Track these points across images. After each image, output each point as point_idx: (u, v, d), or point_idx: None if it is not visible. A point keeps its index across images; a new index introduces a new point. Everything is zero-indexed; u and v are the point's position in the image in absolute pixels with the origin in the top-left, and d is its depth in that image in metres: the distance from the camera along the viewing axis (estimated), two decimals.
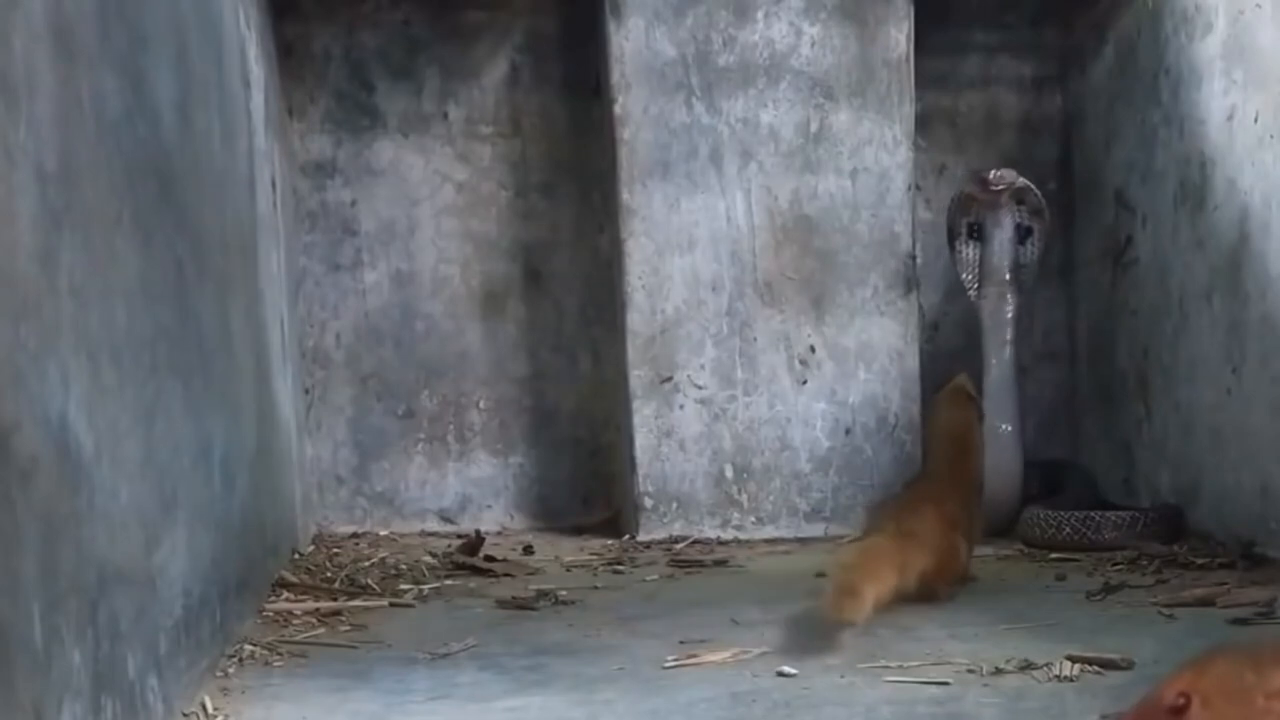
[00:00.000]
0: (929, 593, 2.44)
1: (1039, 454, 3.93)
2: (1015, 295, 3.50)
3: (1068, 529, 3.19)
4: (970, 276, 3.54)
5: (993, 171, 3.46)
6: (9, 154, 1.13)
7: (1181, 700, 1.30)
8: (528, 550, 3.34)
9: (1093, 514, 3.22)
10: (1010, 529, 3.33)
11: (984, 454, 2.97)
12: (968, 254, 3.54)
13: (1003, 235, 3.49)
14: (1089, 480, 3.70)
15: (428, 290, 3.84)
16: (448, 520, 3.82)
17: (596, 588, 2.81)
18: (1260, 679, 1.34)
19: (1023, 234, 3.51)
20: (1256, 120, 2.90)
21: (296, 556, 3.07)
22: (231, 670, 1.99)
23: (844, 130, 3.59)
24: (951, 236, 3.56)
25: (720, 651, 2.07)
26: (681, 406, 3.56)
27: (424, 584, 2.80)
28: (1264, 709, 1.32)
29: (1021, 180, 3.49)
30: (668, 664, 2.01)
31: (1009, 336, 3.50)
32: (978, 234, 3.52)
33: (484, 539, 3.26)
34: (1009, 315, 3.50)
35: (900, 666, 1.93)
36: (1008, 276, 3.50)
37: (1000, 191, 3.44)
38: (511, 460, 3.87)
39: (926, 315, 3.87)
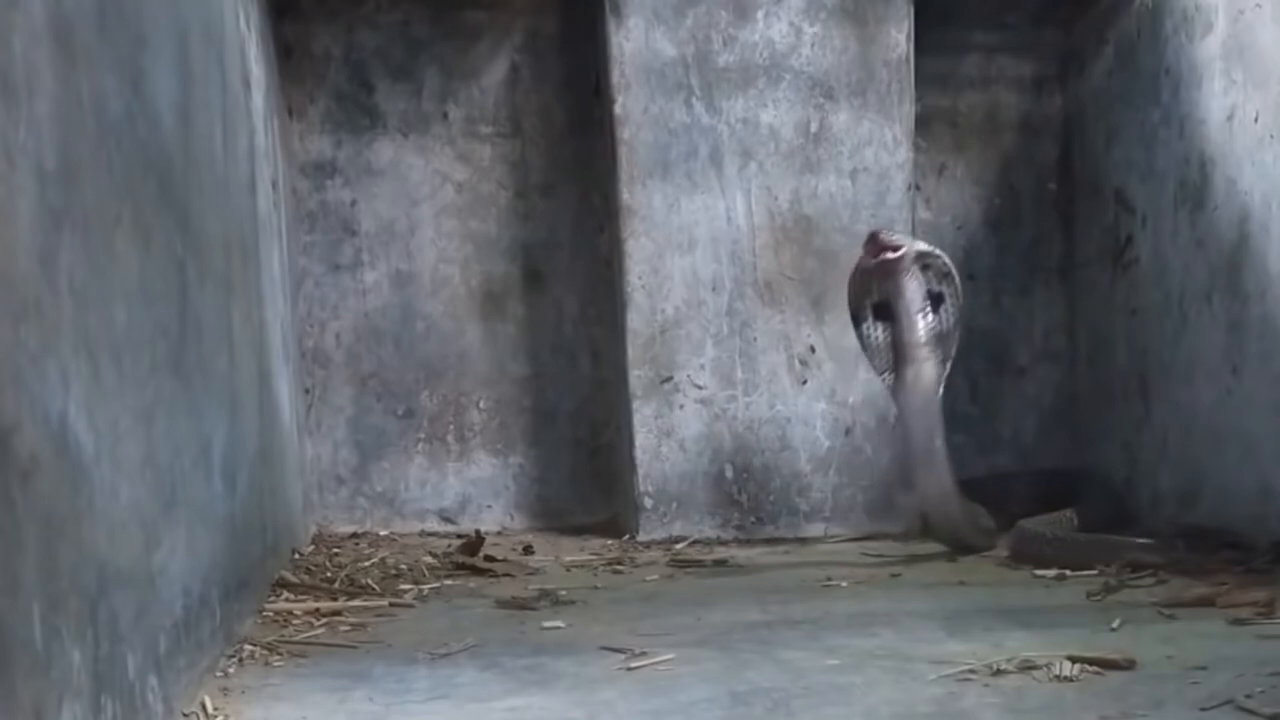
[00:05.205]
0: None
1: (1043, 458, 3.92)
2: (938, 370, 3.06)
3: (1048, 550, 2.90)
4: (882, 361, 3.13)
5: (883, 233, 3.08)
6: (9, 154, 1.13)
7: None
8: (528, 550, 3.34)
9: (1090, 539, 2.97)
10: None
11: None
12: (876, 337, 3.12)
13: (911, 308, 3.06)
14: (1109, 491, 3.55)
15: (428, 290, 3.84)
16: (448, 520, 3.82)
17: (596, 588, 2.81)
18: None
19: (935, 302, 3.09)
20: (1256, 120, 2.90)
21: (296, 556, 3.07)
22: (231, 670, 1.99)
23: (844, 130, 3.60)
24: (856, 321, 3.15)
25: (720, 651, 2.07)
26: (681, 406, 3.56)
27: (424, 584, 2.80)
28: None
29: (921, 245, 3.13)
30: (667, 663, 2.01)
31: (937, 421, 3.07)
32: (885, 314, 3.10)
33: (484, 539, 3.26)
34: (936, 395, 3.06)
35: (901, 667, 1.93)
36: (926, 351, 3.06)
37: (898, 261, 3.03)
38: (511, 460, 3.87)
39: None
